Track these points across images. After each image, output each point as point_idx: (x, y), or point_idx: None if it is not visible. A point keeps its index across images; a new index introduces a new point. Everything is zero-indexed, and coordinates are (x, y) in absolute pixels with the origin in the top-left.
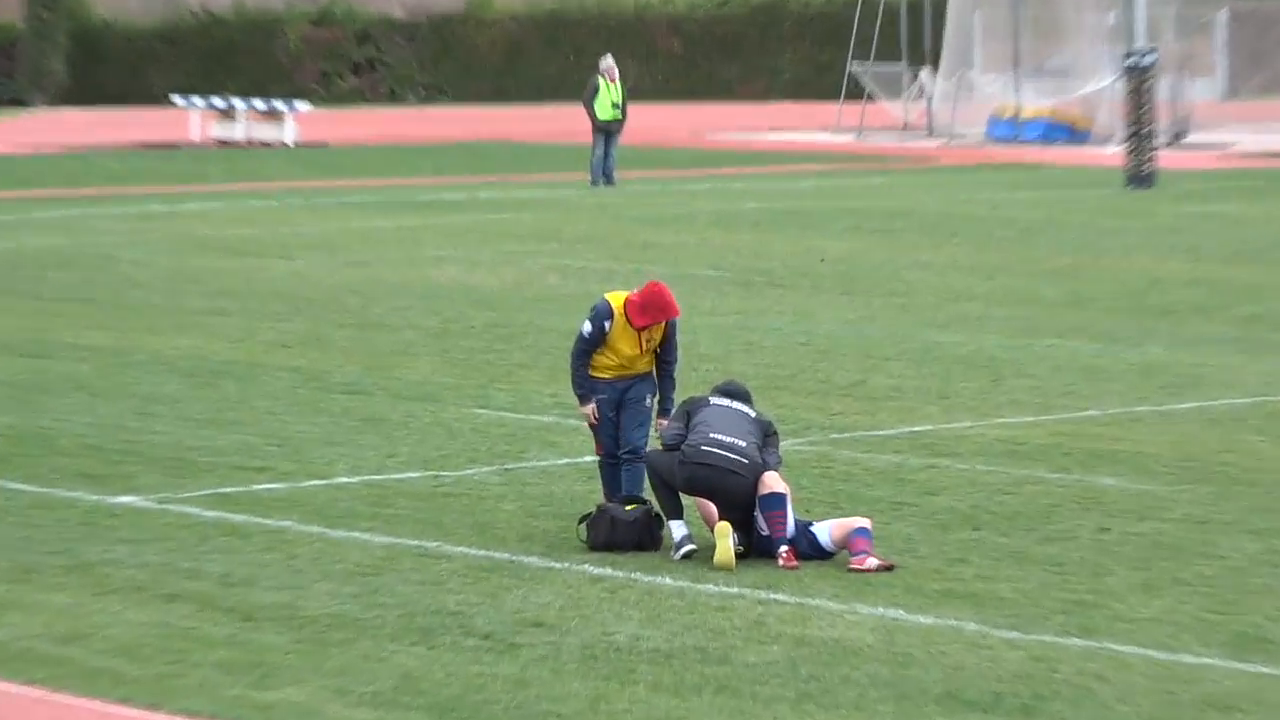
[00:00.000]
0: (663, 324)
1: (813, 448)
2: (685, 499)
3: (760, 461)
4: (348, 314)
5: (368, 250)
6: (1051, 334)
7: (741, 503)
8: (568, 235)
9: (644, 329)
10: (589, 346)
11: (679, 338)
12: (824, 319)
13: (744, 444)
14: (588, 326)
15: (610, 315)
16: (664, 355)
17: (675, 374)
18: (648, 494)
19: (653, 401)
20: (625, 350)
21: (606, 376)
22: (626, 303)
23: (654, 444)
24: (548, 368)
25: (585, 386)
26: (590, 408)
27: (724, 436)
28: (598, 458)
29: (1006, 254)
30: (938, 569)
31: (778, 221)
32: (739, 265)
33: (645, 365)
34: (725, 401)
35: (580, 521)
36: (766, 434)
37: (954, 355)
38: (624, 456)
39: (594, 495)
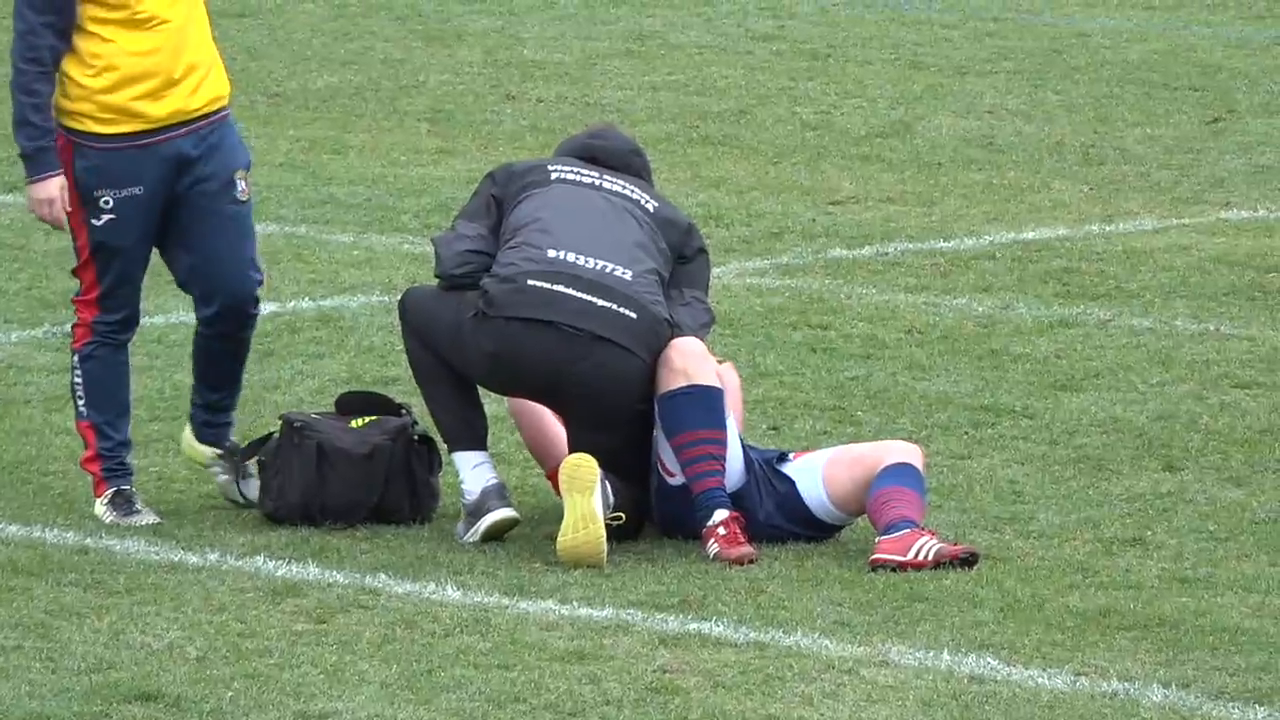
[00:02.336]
0: None
1: (787, 281)
2: (492, 405)
3: (660, 318)
4: None
5: None
6: None
7: (618, 412)
8: None
9: None
10: (58, 16)
11: None
12: None
13: (627, 274)
14: None
15: None
16: None
17: None
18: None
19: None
20: None
21: (125, 128)
22: None
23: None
24: None
25: (44, 134)
26: (49, 194)
27: (581, 256)
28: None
29: None
30: (1081, 560)
31: None
32: None
33: (200, 58)
34: (589, 174)
35: (242, 456)
36: (681, 252)
37: None
38: (217, 323)
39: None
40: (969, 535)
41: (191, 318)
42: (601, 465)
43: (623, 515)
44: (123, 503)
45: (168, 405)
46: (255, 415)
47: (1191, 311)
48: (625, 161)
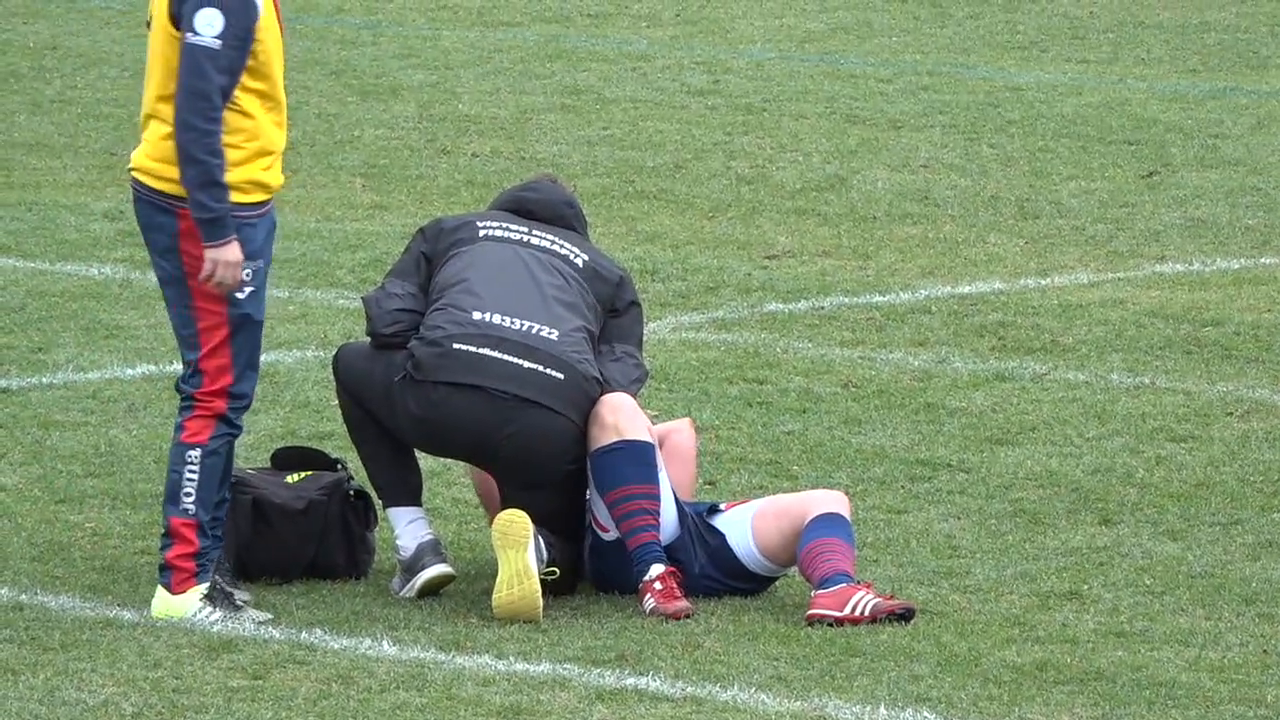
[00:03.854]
0: None
1: (723, 335)
2: (427, 460)
3: (589, 376)
4: None
5: None
6: None
7: (549, 473)
8: None
9: None
10: (231, 78)
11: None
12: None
13: (554, 334)
14: (217, 20)
15: None
16: None
17: None
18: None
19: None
20: (280, 70)
21: (258, 197)
22: None
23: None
24: None
25: (228, 195)
26: (238, 256)
27: (507, 318)
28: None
29: None
30: (1018, 614)
31: None
32: None
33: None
34: (517, 230)
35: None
36: (613, 305)
37: None
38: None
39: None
40: (905, 589)
41: (125, 372)
42: (535, 521)
43: (557, 570)
44: (223, 599)
45: (103, 461)
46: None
47: (1127, 365)
48: (557, 214)
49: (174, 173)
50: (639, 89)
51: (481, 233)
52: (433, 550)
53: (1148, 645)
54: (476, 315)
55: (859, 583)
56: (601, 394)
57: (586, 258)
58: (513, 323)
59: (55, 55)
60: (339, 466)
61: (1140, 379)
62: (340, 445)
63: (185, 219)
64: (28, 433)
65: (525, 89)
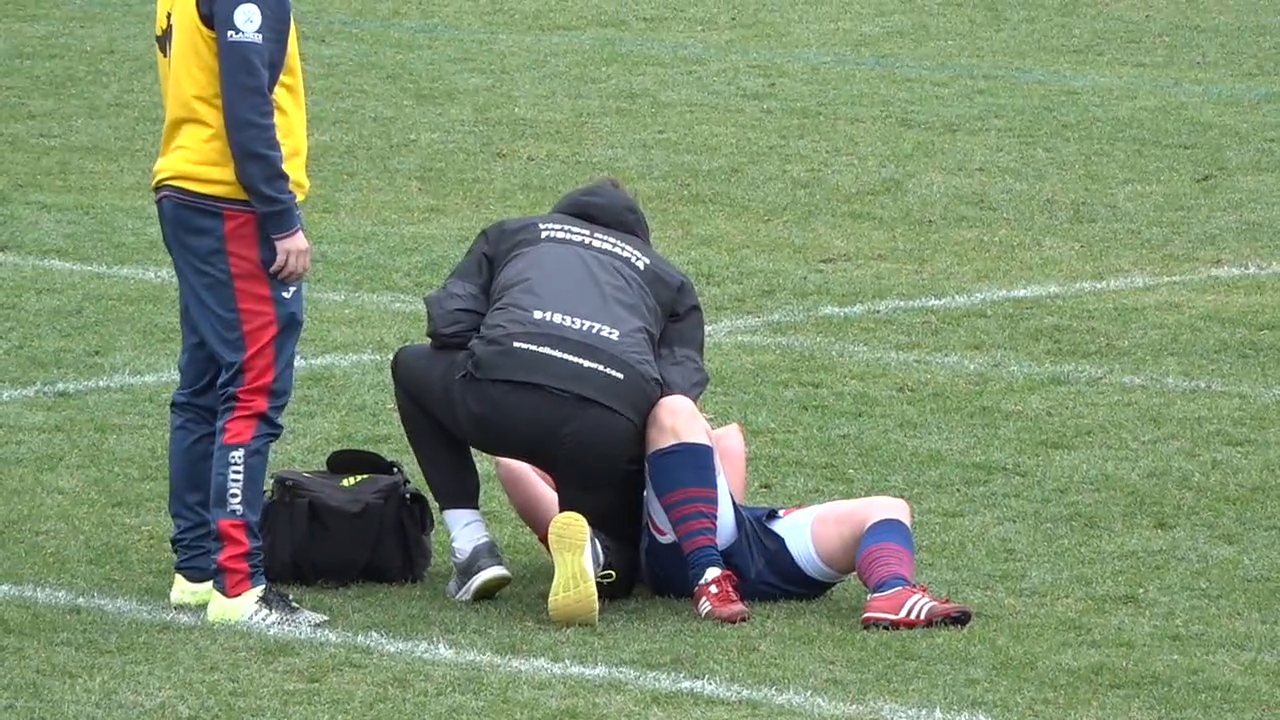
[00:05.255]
0: None
1: (778, 338)
2: (483, 463)
3: (649, 378)
4: None
5: None
6: None
7: (607, 473)
8: None
9: None
10: (273, 71)
11: None
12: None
13: (614, 334)
14: (255, 14)
15: None
16: None
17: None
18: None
19: None
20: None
21: (298, 196)
22: None
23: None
24: None
25: (289, 189)
26: (307, 244)
27: (567, 317)
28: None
29: None
30: (1073, 618)
31: None
32: None
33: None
34: (579, 232)
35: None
36: (674, 310)
37: None
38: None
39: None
40: (961, 593)
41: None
42: (592, 524)
43: (614, 573)
44: (279, 601)
45: (159, 464)
46: None
47: (1183, 369)
48: (619, 219)
49: (219, 174)
50: (694, 92)
51: (544, 234)
52: (489, 553)
53: (1204, 649)
54: (537, 314)
55: (915, 586)
56: (661, 396)
57: (648, 261)
58: (573, 322)
59: (112, 59)
60: (395, 470)
61: (1196, 383)
62: (396, 449)
63: (232, 219)
64: (85, 436)
65: (581, 92)
